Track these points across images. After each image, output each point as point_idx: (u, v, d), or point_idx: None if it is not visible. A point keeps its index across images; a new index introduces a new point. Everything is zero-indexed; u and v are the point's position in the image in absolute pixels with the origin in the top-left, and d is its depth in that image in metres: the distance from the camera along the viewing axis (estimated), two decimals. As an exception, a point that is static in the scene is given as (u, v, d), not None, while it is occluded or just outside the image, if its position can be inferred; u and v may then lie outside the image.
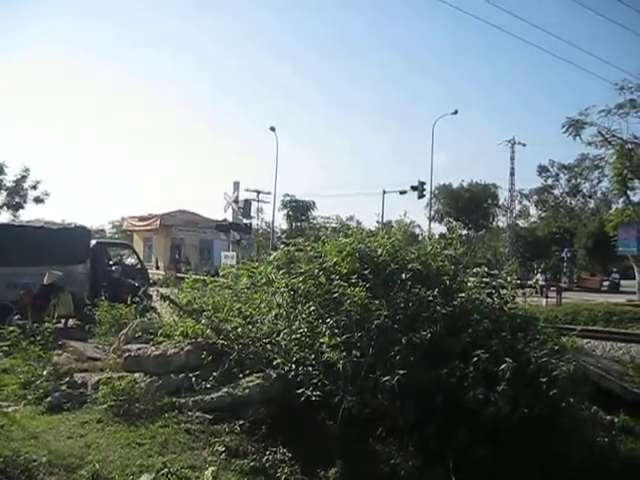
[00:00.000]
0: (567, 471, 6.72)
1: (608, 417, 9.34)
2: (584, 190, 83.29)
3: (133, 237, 58.38)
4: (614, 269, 51.13)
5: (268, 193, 59.06)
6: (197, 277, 10.58)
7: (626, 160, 32.66)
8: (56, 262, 15.06)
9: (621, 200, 44.48)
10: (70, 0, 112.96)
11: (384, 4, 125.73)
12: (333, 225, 47.19)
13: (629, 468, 7.77)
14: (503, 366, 6.51)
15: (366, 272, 7.80)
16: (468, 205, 69.82)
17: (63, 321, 13.73)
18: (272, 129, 52.06)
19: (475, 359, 6.63)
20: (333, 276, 7.68)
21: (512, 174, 72.24)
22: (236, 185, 25.82)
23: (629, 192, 36.93)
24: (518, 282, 11.73)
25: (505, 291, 8.53)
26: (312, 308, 7.48)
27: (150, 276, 23.78)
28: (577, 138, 33.33)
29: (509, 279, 8.91)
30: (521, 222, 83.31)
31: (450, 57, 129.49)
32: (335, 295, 7.28)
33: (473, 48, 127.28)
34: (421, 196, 49.91)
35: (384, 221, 54.40)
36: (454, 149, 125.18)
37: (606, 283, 49.08)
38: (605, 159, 37.96)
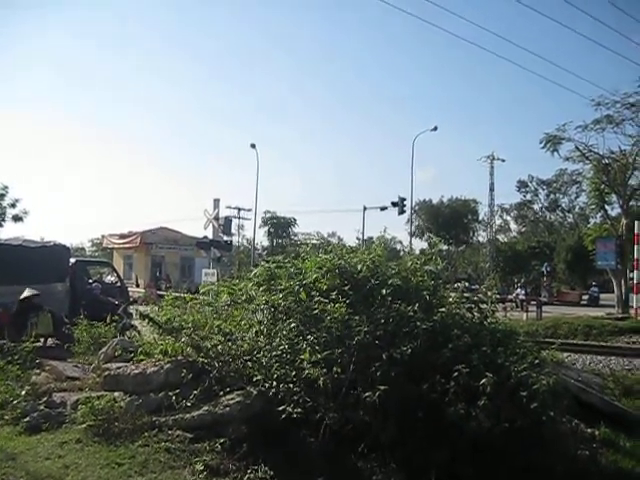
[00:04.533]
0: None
1: (589, 430, 9.37)
2: (563, 205, 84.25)
3: (113, 255, 58.15)
4: (593, 283, 51.74)
5: (249, 210, 59.26)
6: (177, 295, 10.51)
7: (603, 175, 33.15)
8: (35, 281, 14.92)
9: (599, 214, 45.14)
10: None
11: (366, 19, 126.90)
12: (314, 241, 47.34)
13: (610, 480, 7.81)
14: (484, 380, 6.50)
15: (346, 288, 7.80)
16: (448, 221, 70.09)
17: (42, 340, 13.58)
18: (252, 146, 52.34)
19: (456, 374, 6.62)
20: (313, 292, 7.65)
21: (492, 189, 72.90)
22: (216, 202, 25.74)
23: (606, 206, 37.49)
24: (499, 297, 11.78)
25: (485, 306, 8.55)
26: (293, 325, 7.47)
27: (130, 294, 23.60)
28: (555, 153, 33.85)
29: (489, 294, 8.94)
30: (501, 237, 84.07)
31: (433, 74, 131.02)
32: (315, 311, 7.27)
33: (455, 65, 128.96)
34: (401, 212, 50.32)
35: (366, 237, 54.72)
36: (439, 165, 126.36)
37: (585, 297, 49.65)
38: (583, 174, 38.62)
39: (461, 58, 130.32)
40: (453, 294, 8.83)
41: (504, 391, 6.69)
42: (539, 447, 6.95)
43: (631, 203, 35.12)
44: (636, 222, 28.77)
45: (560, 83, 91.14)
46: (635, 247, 27.74)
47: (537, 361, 7.53)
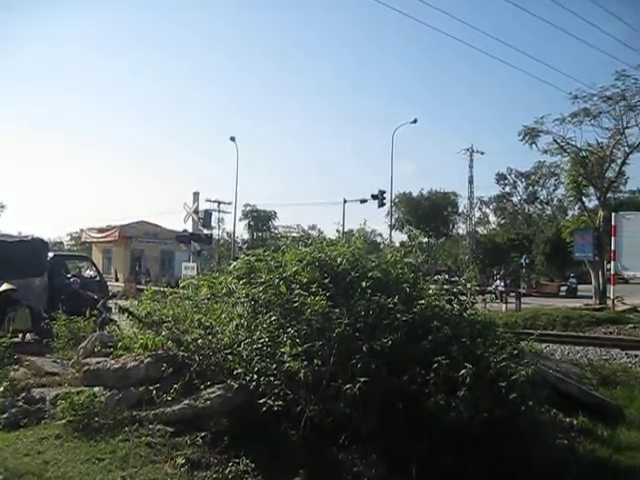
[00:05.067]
0: (528, 474, 6.80)
1: (567, 419, 9.48)
2: (541, 197, 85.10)
3: (92, 249, 57.87)
4: (571, 274, 52.29)
5: (229, 203, 59.14)
6: (157, 288, 10.46)
7: (581, 167, 33.52)
8: (13, 275, 14.80)
9: (577, 207, 45.71)
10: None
11: (345, 13, 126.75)
12: (294, 234, 47.39)
13: (588, 469, 7.89)
14: (463, 371, 6.55)
15: (326, 281, 7.81)
16: (428, 213, 70.57)
17: (20, 335, 13.48)
18: (232, 139, 52.42)
19: (435, 365, 6.66)
20: (293, 285, 7.66)
21: (471, 182, 73.33)
22: (196, 195, 25.56)
23: (584, 199, 38.03)
24: (478, 288, 11.85)
25: (465, 297, 8.60)
26: (273, 318, 7.46)
27: (110, 288, 23.49)
28: (533, 146, 34.16)
29: (469, 285, 8.99)
30: (480, 229, 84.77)
31: (413, 67, 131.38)
32: (296, 304, 7.27)
33: (436, 58, 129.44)
34: (381, 205, 50.60)
35: (346, 230, 54.79)
36: (420, 157, 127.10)
37: (564, 288, 50.22)
38: (561, 167, 39.01)
39: (441, 51, 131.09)
40: (433, 286, 8.88)
41: (483, 382, 6.74)
42: (517, 436, 7.01)
43: (608, 195, 35.59)
44: (613, 214, 29.11)
45: (538, 76, 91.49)
46: (612, 239, 28.04)
47: (516, 352, 7.61)
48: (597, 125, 32.52)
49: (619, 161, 33.46)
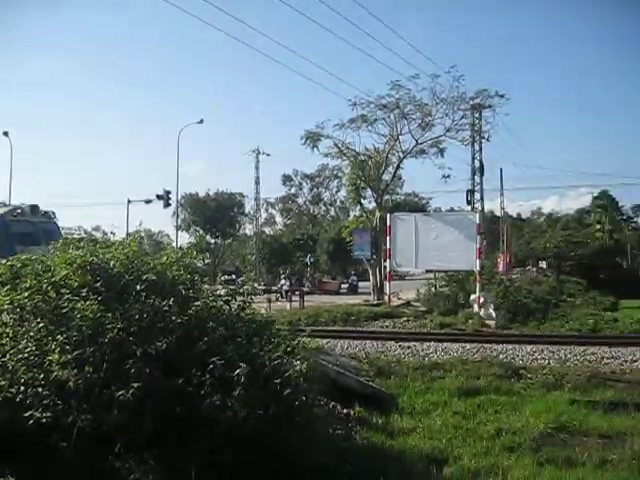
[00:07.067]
0: (308, 465, 7.06)
1: (345, 410, 9.96)
2: (325, 198, 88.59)
3: None
4: (352, 272, 54.99)
5: (2, 203, 55.34)
6: None
7: (359, 171, 35.37)
8: None
9: (357, 208, 48.18)
10: None
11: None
12: (75, 236, 45.43)
13: (364, 456, 8.34)
14: (238, 371, 6.65)
15: (98, 285, 7.56)
16: (214, 214, 70.78)
17: None
18: (5, 134, 49.02)
19: (211, 366, 6.71)
20: (63, 290, 7.33)
21: (257, 183, 74.63)
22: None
23: (363, 200, 40.16)
24: (264, 287, 12.07)
25: (242, 297, 8.70)
26: (41, 325, 7.07)
27: None
28: (315, 149, 35.54)
29: (246, 286, 9.11)
30: (267, 229, 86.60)
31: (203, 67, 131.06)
32: (65, 310, 6.97)
33: (224, 59, 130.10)
34: (167, 205, 50.26)
35: (132, 231, 53.48)
36: (210, 158, 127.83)
37: (345, 285, 52.54)
38: (342, 169, 40.98)
39: (233, 51, 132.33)
40: (212, 287, 8.92)
41: (259, 380, 6.89)
42: (294, 431, 7.23)
43: (385, 197, 37.99)
44: (388, 215, 30.95)
45: (324, 85, 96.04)
46: (387, 238, 29.76)
47: (289, 348, 7.86)
48: (374, 131, 34.61)
49: (394, 165, 35.77)
